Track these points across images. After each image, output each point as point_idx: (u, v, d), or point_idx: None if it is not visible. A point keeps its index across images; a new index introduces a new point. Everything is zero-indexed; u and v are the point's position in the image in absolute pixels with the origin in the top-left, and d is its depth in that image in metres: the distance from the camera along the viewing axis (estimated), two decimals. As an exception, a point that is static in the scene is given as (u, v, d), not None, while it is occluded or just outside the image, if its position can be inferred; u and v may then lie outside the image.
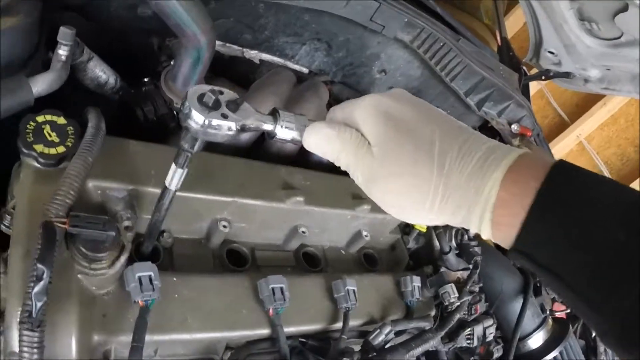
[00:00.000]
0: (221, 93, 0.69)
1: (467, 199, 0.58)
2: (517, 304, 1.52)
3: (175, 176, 0.82)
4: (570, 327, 1.64)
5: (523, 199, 0.55)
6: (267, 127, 0.71)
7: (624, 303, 0.50)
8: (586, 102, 4.73)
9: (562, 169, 0.56)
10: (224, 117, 0.67)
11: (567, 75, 2.02)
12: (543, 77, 2.07)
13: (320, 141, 0.69)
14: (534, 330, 1.56)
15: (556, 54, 1.97)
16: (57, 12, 1.16)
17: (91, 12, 1.23)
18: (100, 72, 1.19)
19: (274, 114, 0.72)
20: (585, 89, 2.07)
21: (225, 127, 0.67)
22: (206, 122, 0.66)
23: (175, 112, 1.24)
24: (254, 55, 1.41)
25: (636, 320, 0.49)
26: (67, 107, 0.95)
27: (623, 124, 4.70)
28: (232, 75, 1.43)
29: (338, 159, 0.68)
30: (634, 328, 0.49)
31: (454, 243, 1.37)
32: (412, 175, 0.61)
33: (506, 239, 0.57)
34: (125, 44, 1.36)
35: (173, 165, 0.81)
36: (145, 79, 1.26)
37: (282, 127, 0.71)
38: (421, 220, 0.65)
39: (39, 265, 0.70)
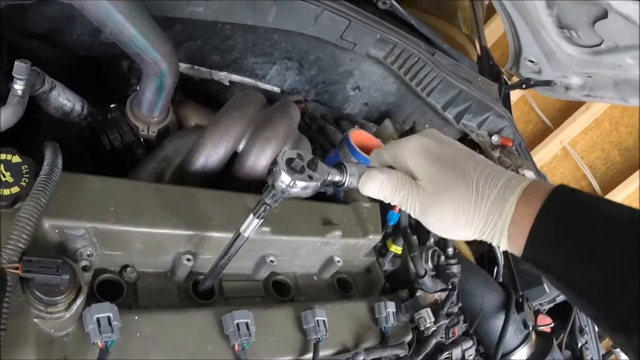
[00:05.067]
0: (300, 156, 0.80)
1: (493, 219, 0.73)
2: (499, 320, 1.50)
3: (251, 225, 0.88)
4: (555, 341, 1.63)
5: (530, 217, 0.69)
6: (338, 178, 0.83)
7: (618, 305, 0.62)
8: (569, 107, 4.71)
9: (560, 192, 0.69)
10: (310, 178, 0.79)
11: (548, 83, 2.01)
12: (524, 86, 2.06)
13: (375, 185, 0.81)
14: (518, 346, 1.54)
15: (536, 62, 1.95)
16: (20, 40, 1.14)
17: (55, 39, 1.21)
18: (64, 100, 1.16)
19: (339, 167, 0.83)
20: (566, 96, 2.05)
21: (310, 187, 0.79)
22: (291, 183, 0.78)
23: (141, 140, 1.21)
24: (223, 77, 1.39)
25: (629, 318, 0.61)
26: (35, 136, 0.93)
27: (607, 128, 4.68)
28: (203, 97, 1.41)
29: (393, 199, 0.80)
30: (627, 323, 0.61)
31: (430, 265, 1.34)
32: (456, 202, 0.74)
33: (519, 249, 0.72)
34: (94, 68, 1.34)
35: (251, 216, 0.87)
36: (112, 105, 1.24)
37: (348, 177, 0.83)
38: (459, 237, 0.78)
39: (-12, 312, 0.68)
